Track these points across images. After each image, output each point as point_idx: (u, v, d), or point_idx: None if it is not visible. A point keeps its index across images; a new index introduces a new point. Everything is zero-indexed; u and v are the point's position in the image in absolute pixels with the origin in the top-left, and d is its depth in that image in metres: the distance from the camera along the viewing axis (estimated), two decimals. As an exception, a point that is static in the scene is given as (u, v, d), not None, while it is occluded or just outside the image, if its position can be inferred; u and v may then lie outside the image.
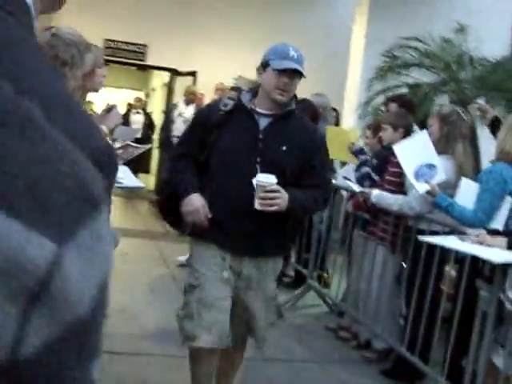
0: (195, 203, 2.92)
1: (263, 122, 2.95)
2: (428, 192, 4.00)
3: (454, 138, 4.16)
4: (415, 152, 4.05)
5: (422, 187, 4.01)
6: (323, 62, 11.47)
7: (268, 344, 4.52)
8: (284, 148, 2.91)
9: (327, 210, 5.62)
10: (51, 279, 0.42)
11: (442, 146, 4.17)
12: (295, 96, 3.10)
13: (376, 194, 4.42)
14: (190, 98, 9.28)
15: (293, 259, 6.13)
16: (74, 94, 2.98)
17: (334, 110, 7.19)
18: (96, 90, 3.70)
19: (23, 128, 0.43)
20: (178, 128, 8.88)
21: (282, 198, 2.83)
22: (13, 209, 0.41)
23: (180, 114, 9.12)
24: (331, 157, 5.39)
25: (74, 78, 2.78)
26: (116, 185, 2.99)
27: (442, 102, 7.81)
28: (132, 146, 3.96)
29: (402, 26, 8.61)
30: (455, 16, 8.44)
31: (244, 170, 2.88)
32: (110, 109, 3.78)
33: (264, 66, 2.95)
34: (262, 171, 2.84)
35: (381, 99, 7.52)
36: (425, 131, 4.21)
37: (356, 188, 4.66)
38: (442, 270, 4.19)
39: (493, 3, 9.53)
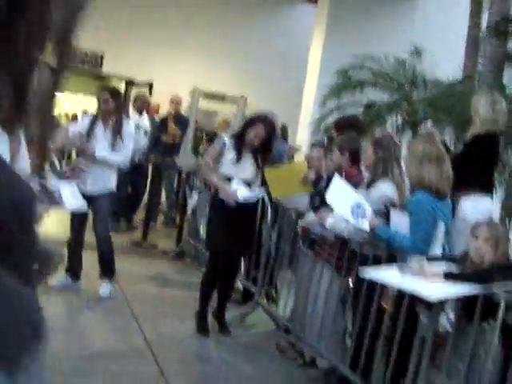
0: None
1: None
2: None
3: (390, 161, 4.32)
4: (341, 197, 4.24)
5: (365, 226, 4.15)
6: (280, 78, 11.68)
7: (214, 362, 4.63)
8: None
9: (276, 227, 5.74)
10: None
11: (380, 169, 4.33)
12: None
13: (331, 223, 4.49)
14: (144, 106, 8.89)
15: (241, 275, 6.22)
16: None
17: (283, 126, 7.34)
18: None
19: None
20: (140, 142, 8.53)
21: None
22: None
23: (138, 126, 8.56)
24: (277, 195, 5.39)
25: None
26: (59, 207, 3.04)
27: (394, 122, 8.06)
28: (80, 168, 4.01)
29: (359, 45, 8.82)
30: (413, 38, 8.69)
31: None
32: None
33: None
34: None
35: (335, 116, 7.69)
36: (336, 175, 4.37)
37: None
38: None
39: (449, 26, 9.85)
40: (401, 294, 4.06)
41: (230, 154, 5.03)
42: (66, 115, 16.21)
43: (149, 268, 6.96)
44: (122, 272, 6.44)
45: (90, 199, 5.49)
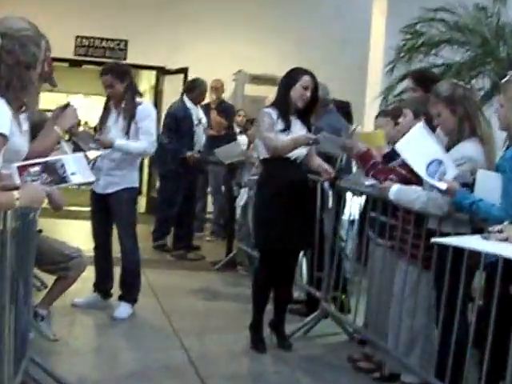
0: None
1: None
2: (445, 191, 4.02)
3: (474, 115, 4.19)
4: (418, 148, 4.09)
5: (441, 185, 4.03)
6: (341, 48, 11.62)
7: (271, 379, 4.65)
8: None
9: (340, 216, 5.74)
10: None
11: (466, 128, 4.20)
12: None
13: (396, 189, 4.40)
14: (201, 97, 8.66)
15: (304, 280, 6.21)
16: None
17: (345, 102, 7.26)
18: None
19: None
20: (200, 141, 8.49)
21: None
22: None
23: (200, 121, 8.57)
24: None
25: (38, 75, 2.96)
26: (64, 184, 3.15)
27: (481, 86, 7.87)
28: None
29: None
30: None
31: None
32: (65, 107, 3.89)
33: None
34: None
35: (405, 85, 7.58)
36: (420, 123, 4.25)
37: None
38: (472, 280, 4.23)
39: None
40: (491, 281, 3.97)
41: (277, 126, 5.03)
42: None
43: (194, 281, 7.07)
44: (161, 287, 6.58)
45: (105, 200, 5.61)
